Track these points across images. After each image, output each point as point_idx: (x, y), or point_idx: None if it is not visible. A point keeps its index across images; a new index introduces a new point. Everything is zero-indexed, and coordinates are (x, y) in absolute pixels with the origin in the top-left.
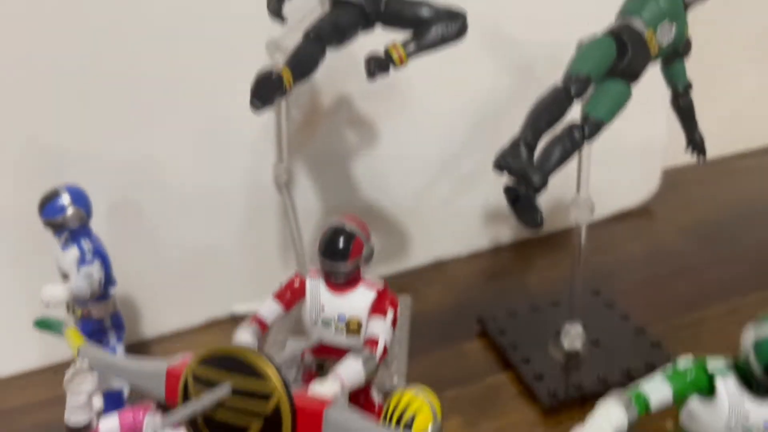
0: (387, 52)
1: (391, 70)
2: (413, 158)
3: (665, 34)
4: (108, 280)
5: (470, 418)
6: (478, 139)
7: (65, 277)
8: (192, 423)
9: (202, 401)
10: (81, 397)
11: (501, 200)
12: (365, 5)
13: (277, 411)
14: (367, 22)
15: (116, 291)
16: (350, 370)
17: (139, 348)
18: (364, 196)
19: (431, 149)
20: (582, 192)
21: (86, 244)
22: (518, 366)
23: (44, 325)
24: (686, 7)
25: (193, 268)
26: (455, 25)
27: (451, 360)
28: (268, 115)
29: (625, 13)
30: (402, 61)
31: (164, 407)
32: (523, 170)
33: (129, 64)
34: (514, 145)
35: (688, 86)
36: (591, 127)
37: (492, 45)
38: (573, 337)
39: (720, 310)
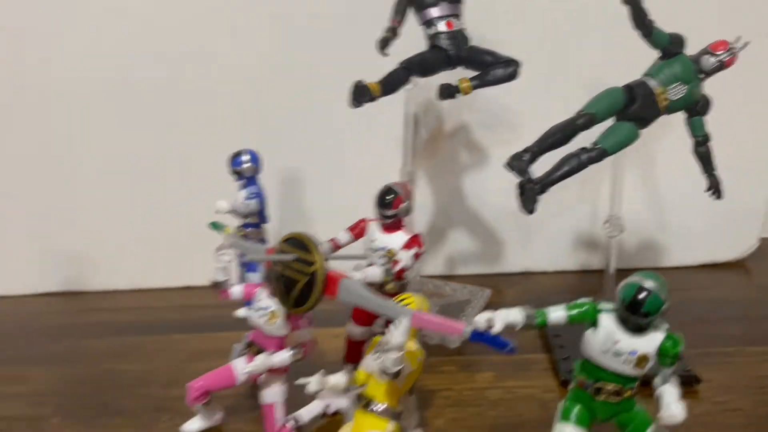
0: (457, 84)
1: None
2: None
3: (676, 93)
4: (262, 216)
5: (500, 376)
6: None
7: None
8: (274, 276)
9: (279, 257)
10: (222, 263)
11: (590, 229)
12: (451, 52)
13: (315, 273)
14: (449, 63)
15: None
16: (373, 271)
17: None
18: (470, 205)
19: None
20: (614, 211)
21: (253, 189)
22: (554, 350)
23: (215, 226)
24: (705, 75)
25: None
26: (510, 69)
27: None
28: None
29: (645, 74)
30: (467, 92)
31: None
32: (522, 170)
33: None
34: (521, 152)
35: (706, 138)
36: (596, 153)
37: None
38: None
39: (759, 352)
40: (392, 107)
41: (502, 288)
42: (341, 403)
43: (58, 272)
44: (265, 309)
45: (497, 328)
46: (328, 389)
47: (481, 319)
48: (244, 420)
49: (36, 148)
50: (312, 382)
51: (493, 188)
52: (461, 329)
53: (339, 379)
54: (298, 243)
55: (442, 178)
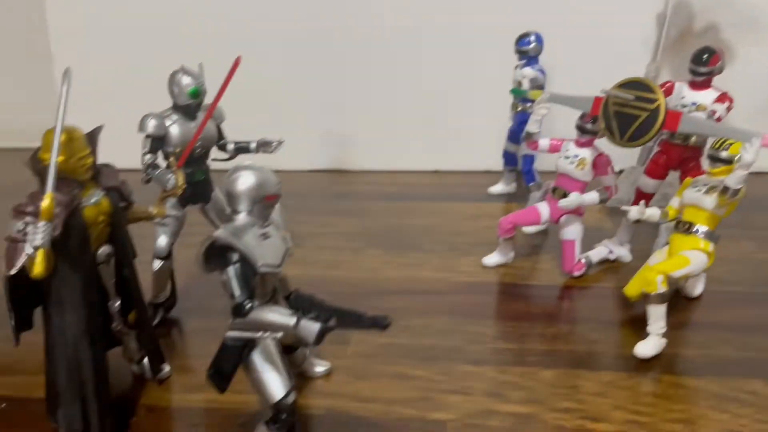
0: None
1: None
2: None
3: None
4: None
5: (762, 247)
6: None
7: (517, 83)
8: (606, 115)
9: (621, 95)
10: (537, 116)
11: None
12: None
13: (657, 108)
14: None
15: None
16: (698, 116)
17: None
18: None
19: None
20: None
21: (537, 66)
22: None
23: (516, 92)
24: None
25: None
26: None
27: None
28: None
29: None
30: None
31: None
32: None
33: None
34: None
35: None
36: None
37: None
38: None
39: None
40: (645, 6)
41: None
42: (621, 252)
43: (327, 153)
44: (575, 156)
45: None
46: (645, 219)
47: None
48: (530, 261)
49: (320, 49)
50: (633, 211)
51: (736, 86)
52: None
53: (654, 211)
54: (636, 85)
55: (686, 74)
